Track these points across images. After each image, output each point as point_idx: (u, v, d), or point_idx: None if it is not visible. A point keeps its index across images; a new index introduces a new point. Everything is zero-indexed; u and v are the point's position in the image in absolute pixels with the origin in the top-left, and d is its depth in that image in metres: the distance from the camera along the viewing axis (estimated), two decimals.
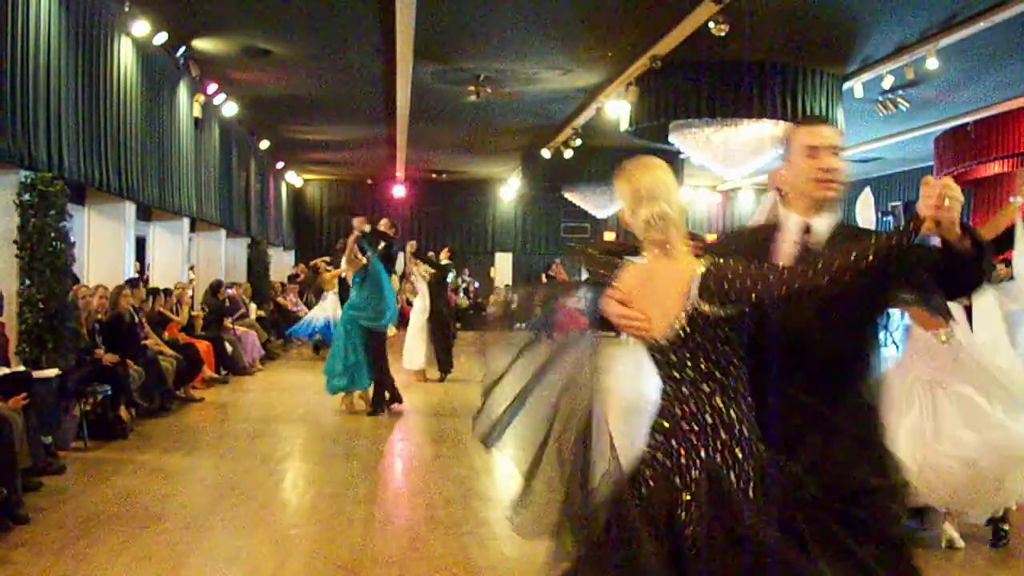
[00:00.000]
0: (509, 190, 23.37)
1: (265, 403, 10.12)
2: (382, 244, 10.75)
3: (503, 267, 24.53)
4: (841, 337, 2.40)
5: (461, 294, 22.98)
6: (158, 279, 12.13)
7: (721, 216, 25.50)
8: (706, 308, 2.27)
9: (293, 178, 22.55)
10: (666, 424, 2.38)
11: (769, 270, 2.26)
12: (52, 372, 6.62)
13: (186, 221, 12.61)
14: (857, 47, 10.91)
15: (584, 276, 3.62)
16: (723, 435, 2.28)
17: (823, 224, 2.58)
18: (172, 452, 7.25)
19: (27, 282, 7.28)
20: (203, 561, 4.54)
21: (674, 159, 17.69)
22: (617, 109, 12.55)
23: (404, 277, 15.64)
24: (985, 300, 4.62)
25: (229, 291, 13.42)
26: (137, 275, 11.41)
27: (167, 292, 10.85)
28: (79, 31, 8.38)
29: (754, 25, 9.45)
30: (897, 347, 16.74)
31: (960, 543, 4.82)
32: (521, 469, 2.59)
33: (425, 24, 9.52)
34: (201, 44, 10.97)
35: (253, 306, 14.93)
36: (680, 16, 9.43)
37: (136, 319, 8.94)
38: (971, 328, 4.68)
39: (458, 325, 20.10)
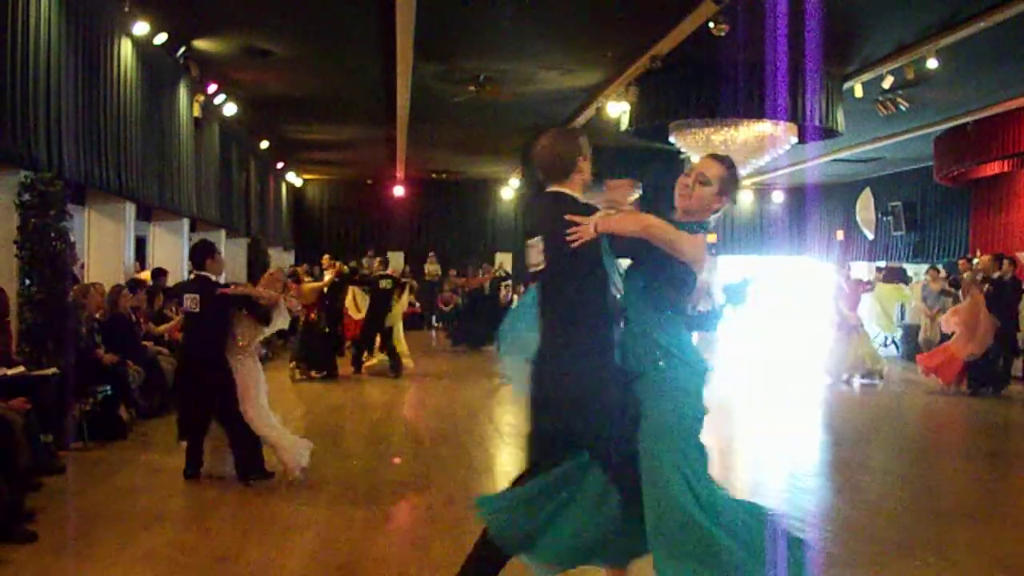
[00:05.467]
0: (509, 190, 23.37)
1: None
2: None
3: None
4: None
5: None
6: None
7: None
8: None
9: (293, 178, 22.55)
10: None
11: None
12: (50, 371, 6.62)
13: (186, 221, 12.62)
14: (857, 47, 10.91)
15: None
16: None
17: None
18: (172, 452, 7.23)
19: (27, 282, 7.28)
20: (203, 561, 4.54)
21: (674, 159, 17.75)
22: (617, 109, 12.55)
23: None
24: None
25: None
26: (137, 277, 11.44)
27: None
28: (79, 31, 8.38)
29: (754, 25, 9.46)
30: (898, 347, 16.77)
31: None
32: None
33: (425, 24, 9.52)
34: (201, 44, 10.97)
35: None
36: (680, 16, 9.44)
37: (134, 319, 8.95)
38: None
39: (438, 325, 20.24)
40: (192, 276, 6.69)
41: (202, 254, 6.51)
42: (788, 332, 18.69)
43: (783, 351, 16.30)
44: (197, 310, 6.28)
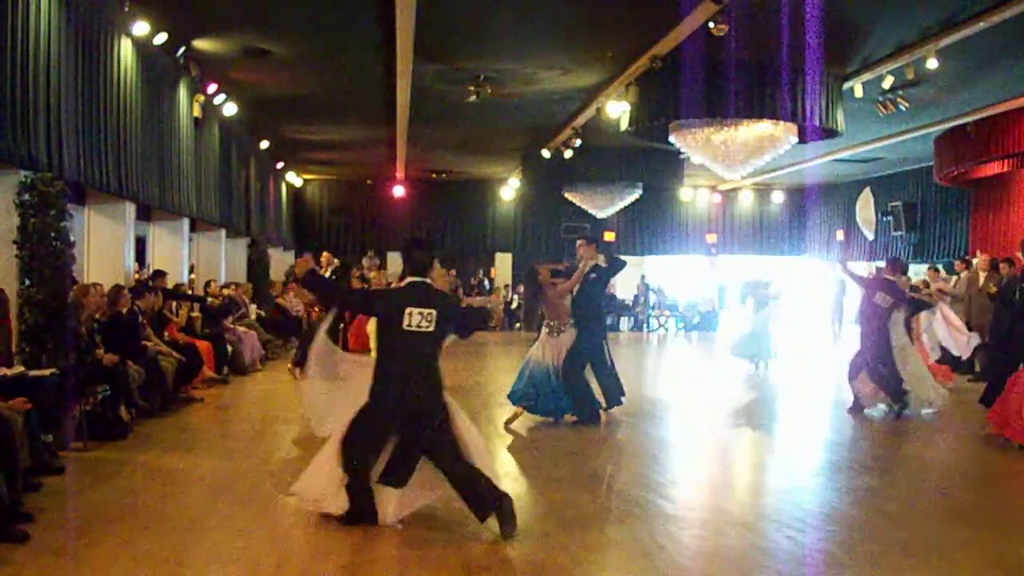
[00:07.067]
0: (509, 190, 23.37)
1: (265, 403, 10.11)
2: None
3: (503, 267, 24.55)
4: None
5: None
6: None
7: (721, 216, 25.50)
8: None
9: (293, 178, 22.55)
10: None
11: None
12: (48, 371, 6.60)
13: (186, 221, 12.61)
14: (857, 47, 10.92)
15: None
16: None
17: None
18: (172, 452, 7.25)
19: (27, 282, 7.28)
20: (203, 561, 4.54)
21: (674, 159, 17.76)
22: (617, 109, 12.55)
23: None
24: None
25: (225, 289, 13.40)
26: (140, 278, 11.45)
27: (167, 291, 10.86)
28: (79, 31, 8.38)
29: (754, 25, 9.46)
30: None
31: None
32: None
33: (425, 24, 9.52)
34: (201, 44, 10.97)
35: (253, 306, 14.93)
36: (680, 16, 9.44)
37: (140, 320, 8.98)
38: None
39: None
40: (408, 283, 5.23)
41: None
42: (793, 333, 18.70)
43: (787, 352, 16.31)
44: (431, 329, 5.06)
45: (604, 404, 8.82)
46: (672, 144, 13.13)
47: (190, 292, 12.43)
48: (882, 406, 9.52)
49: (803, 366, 14.70)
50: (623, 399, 9.09)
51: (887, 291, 9.43)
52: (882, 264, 18.99)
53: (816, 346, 17.79)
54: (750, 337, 13.89)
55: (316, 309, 12.29)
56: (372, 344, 11.21)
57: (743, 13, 9.09)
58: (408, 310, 5.01)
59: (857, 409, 9.52)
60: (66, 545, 4.72)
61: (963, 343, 11.85)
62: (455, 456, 5.02)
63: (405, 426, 5.02)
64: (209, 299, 12.19)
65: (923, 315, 11.45)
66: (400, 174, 22.20)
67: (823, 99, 11.70)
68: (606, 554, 4.85)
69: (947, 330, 11.83)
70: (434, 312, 5.05)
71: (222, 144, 14.35)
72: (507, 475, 6.78)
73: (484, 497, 4.92)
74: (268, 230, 19.03)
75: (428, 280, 5.18)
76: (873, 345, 9.42)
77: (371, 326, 11.45)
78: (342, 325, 14.01)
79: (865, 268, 19.24)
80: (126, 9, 9.46)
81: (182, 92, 11.90)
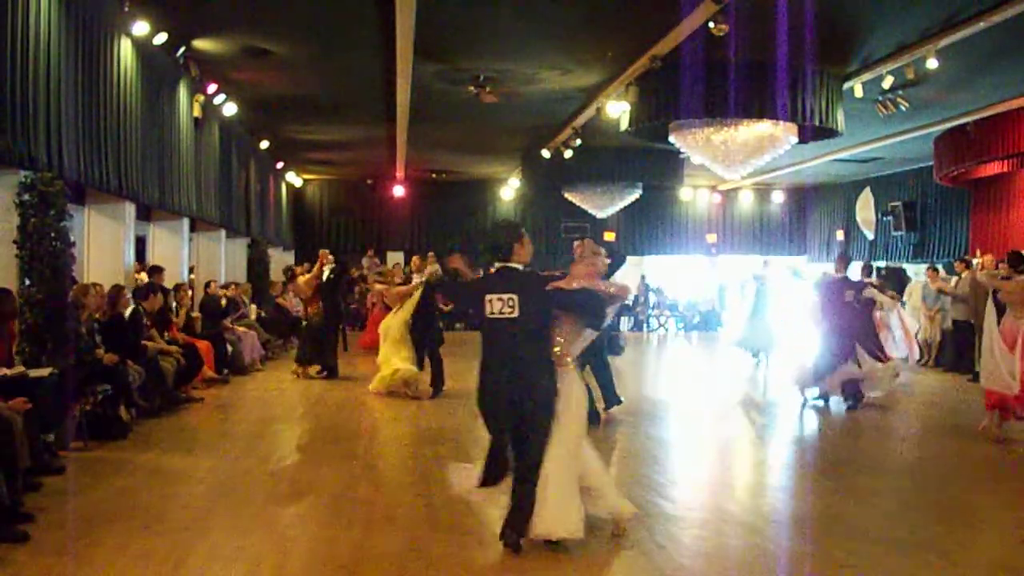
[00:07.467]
0: (509, 190, 23.37)
1: (265, 403, 10.12)
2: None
3: None
4: None
5: None
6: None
7: (721, 216, 25.50)
8: None
9: (293, 178, 22.55)
10: None
11: None
12: (46, 371, 6.60)
13: (186, 221, 12.61)
14: (857, 47, 10.92)
15: None
16: None
17: None
18: (172, 452, 7.25)
19: (27, 282, 7.28)
20: (203, 561, 4.54)
21: (674, 159, 17.76)
22: (617, 109, 12.55)
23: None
24: None
25: (221, 289, 13.39)
26: (142, 279, 11.44)
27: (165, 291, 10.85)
28: (79, 31, 8.38)
29: (754, 25, 9.46)
30: None
31: None
32: None
33: (425, 24, 9.52)
34: (201, 44, 10.97)
35: (253, 306, 14.92)
36: (680, 16, 9.44)
37: (144, 320, 8.99)
38: None
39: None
40: (496, 269, 5.01)
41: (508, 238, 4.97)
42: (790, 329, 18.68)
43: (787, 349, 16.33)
44: (515, 314, 4.78)
45: (603, 404, 8.83)
46: (672, 144, 13.13)
47: (186, 295, 12.34)
48: (874, 393, 10.11)
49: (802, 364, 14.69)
50: (622, 399, 9.09)
51: (848, 287, 10.17)
52: (880, 264, 19.07)
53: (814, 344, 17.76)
54: (752, 331, 13.96)
55: (314, 308, 12.28)
56: (381, 342, 11.27)
57: (743, 13, 9.09)
58: (488, 297, 4.79)
59: (856, 404, 9.77)
60: (66, 545, 4.73)
61: (910, 347, 12.34)
62: (535, 454, 4.73)
63: (502, 418, 4.82)
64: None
65: (885, 313, 11.73)
66: (400, 174, 22.19)
67: (823, 99, 11.69)
68: (606, 554, 4.85)
69: (899, 331, 12.26)
70: (516, 297, 4.74)
71: (222, 144, 14.35)
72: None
73: (518, 517, 4.71)
74: (268, 230, 19.02)
75: (513, 264, 4.89)
76: (845, 337, 10.04)
77: (383, 325, 11.51)
78: (341, 325, 14.04)
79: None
80: (126, 9, 9.46)
81: (182, 92, 11.90)
